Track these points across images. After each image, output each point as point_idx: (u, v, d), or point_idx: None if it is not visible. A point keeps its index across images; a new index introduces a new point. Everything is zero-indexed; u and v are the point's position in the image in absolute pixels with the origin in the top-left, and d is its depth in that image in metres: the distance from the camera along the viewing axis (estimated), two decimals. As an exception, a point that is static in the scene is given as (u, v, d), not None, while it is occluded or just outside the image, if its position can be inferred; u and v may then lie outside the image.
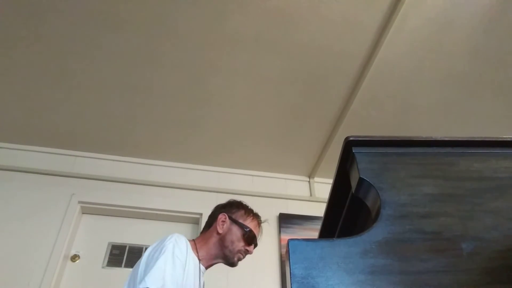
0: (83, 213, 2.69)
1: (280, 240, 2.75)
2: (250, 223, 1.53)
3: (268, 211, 2.69)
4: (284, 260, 2.66)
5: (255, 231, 1.53)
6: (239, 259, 1.50)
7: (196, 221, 2.78)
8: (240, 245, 1.48)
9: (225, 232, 1.49)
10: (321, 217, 0.95)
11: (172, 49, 2.19)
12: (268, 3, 1.98)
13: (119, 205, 2.68)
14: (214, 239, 1.49)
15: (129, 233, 2.67)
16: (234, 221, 1.51)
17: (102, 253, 2.55)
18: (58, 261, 2.36)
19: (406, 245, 0.64)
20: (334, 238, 0.78)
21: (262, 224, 1.60)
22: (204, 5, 1.98)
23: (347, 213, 0.86)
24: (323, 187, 3.14)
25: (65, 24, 2.05)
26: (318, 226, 0.97)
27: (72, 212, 2.57)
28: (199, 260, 1.43)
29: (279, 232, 2.78)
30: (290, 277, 0.58)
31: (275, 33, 2.11)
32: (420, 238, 0.65)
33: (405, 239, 0.64)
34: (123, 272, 2.50)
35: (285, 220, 2.84)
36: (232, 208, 1.57)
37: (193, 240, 1.50)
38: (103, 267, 2.51)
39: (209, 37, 2.13)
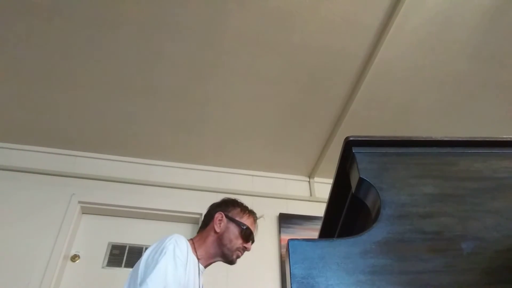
0: (83, 213, 2.69)
1: (280, 240, 2.75)
2: (246, 220, 1.54)
3: (268, 211, 2.70)
4: (284, 260, 2.66)
5: (252, 228, 1.55)
6: (238, 257, 1.52)
7: (196, 221, 2.78)
8: (238, 242, 1.50)
9: (222, 230, 1.50)
10: (321, 217, 0.95)
11: (172, 49, 2.19)
12: (268, 3, 1.98)
13: (119, 205, 2.68)
14: (212, 238, 1.50)
15: (129, 233, 2.67)
16: (231, 219, 1.53)
17: (102, 253, 2.55)
18: (58, 261, 2.36)
19: (406, 245, 0.64)
20: (334, 238, 0.78)
21: (257, 220, 1.61)
22: (204, 5, 1.98)
23: (347, 213, 0.86)
24: (323, 187, 3.14)
25: (65, 24, 2.05)
26: (318, 226, 0.97)
27: (72, 212, 2.57)
28: (198, 259, 1.44)
29: (279, 232, 2.78)
30: (290, 277, 0.58)
31: (275, 33, 2.11)
32: (420, 238, 0.65)
33: (405, 239, 0.64)
34: (123, 272, 2.50)
35: (285, 220, 2.84)
36: (228, 206, 1.58)
37: (191, 239, 1.51)
38: (103, 267, 2.51)
39: (209, 37, 2.13)
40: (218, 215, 1.53)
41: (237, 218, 1.53)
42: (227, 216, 1.53)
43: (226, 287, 2.45)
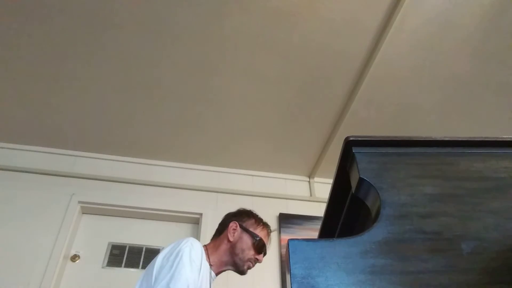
0: (83, 213, 2.69)
1: (280, 240, 2.75)
2: (260, 232, 1.55)
3: (268, 211, 2.69)
4: (284, 260, 2.66)
5: (265, 240, 1.56)
6: (249, 268, 1.53)
7: (196, 221, 2.78)
8: (251, 253, 1.50)
9: (236, 240, 1.51)
10: (321, 217, 0.95)
11: (172, 49, 2.19)
12: (268, 3, 1.98)
13: (119, 205, 2.68)
14: (225, 246, 1.51)
15: (129, 233, 2.67)
16: (245, 230, 1.54)
17: (102, 253, 2.55)
18: (58, 261, 2.36)
19: (406, 245, 0.64)
20: (334, 238, 0.78)
21: (271, 233, 1.63)
22: (204, 5, 1.98)
23: (347, 213, 0.86)
24: (323, 187, 3.13)
25: (65, 24, 2.05)
26: (318, 226, 0.97)
27: (72, 212, 2.57)
28: (210, 266, 1.45)
29: (279, 232, 2.78)
30: (290, 277, 0.58)
31: (275, 33, 2.11)
32: (420, 238, 0.65)
33: (405, 239, 0.64)
34: (123, 272, 2.50)
35: (285, 220, 2.84)
36: (243, 216, 1.59)
37: (205, 245, 1.52)
38: (103, 267, 2.51)
39: (209, 37, 2.13)
40: (233, 224, 1.54)
41: (251, 229, 1.54)
42: (241, 226, 1.54)
43: (226, 287, 2.44)
